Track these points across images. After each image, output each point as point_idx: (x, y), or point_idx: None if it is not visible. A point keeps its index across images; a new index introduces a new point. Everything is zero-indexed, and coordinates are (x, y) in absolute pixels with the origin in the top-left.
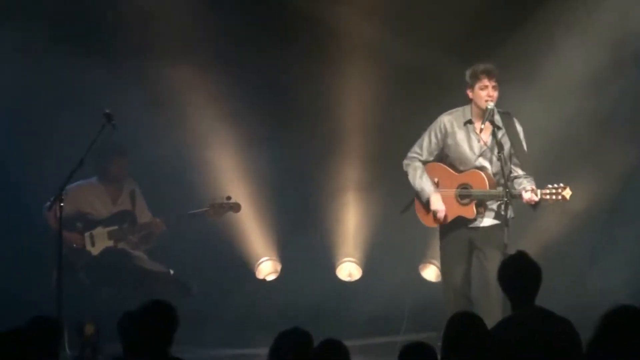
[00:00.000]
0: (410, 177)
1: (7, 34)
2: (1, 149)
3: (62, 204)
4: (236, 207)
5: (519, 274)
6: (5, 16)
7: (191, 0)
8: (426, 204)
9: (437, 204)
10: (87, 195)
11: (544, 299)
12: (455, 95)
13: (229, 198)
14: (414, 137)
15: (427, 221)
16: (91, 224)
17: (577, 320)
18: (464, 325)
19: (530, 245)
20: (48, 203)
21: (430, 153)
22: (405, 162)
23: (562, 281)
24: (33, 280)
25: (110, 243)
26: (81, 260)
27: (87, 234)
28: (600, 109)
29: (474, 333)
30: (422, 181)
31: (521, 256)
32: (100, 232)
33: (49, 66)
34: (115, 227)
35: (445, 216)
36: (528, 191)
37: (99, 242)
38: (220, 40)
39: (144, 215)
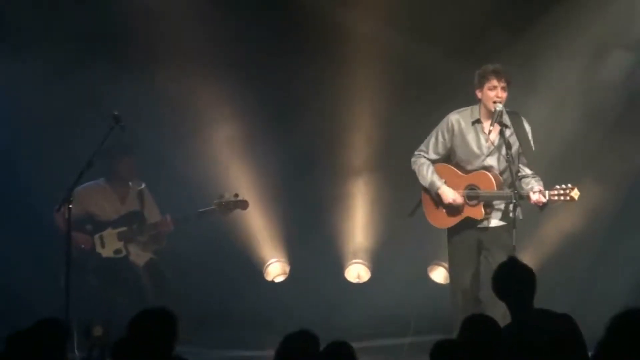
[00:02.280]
0: (418, 174)
1: (17, 40)
2: (11, 150)
3: (70, 206)
4: (244, 204)
5: (512, 280)
6: (16, 20)
7: (200, 3)
8: (436, 197)
9: (449, 193)
10: (94, 196)
11: (550, 302)
12: (462, 98)
13: (236, 195)
14: (424, 138)
15: (436, 221)
16: (100, 225)
17: (583, 323)
18: (479, 328)
19: (537, 247)
20: (57, 205)
21: (436, 152)
22: (412, 160)
23: (569, 284)
24: (42, 282)
25: (120, 244)
26: (91, 262)
27: (96, 236)
28: (607, 112)
29: (489, 336)
30: (430, 175)
31: (511, 263)
32: (109, 233)
33: (58, 68)
34: (125, 228)
35: (459, 207)
36: (536, 192)
37: (108, 243)
38: (228, 41)
39: (153, 214)
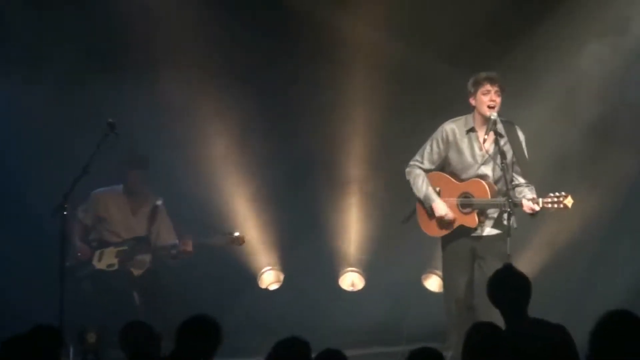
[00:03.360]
0: (413, 185)
1: (17, 44)
2: (11, 152)
3: (65, 212)
4: (241, 242)
5: (508, 288)
6: (15, 25)
7: (198, 7)
8: (430, 211)
9: (442, 209)
10: (107, 201)
11: (546, 310)
12: (460, 104)
13: (237, 233)
14: (419, 146)
15: (430, 230)
16: (105, 242)
17: (580, 330)
18: (485, 335)
19: (532, 255)
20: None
21: (431, 161)
22: (407, 170)
23: (564, 292)
24: (39, 284)
25: (115, 260)
26: (85, 270)
27: (97, 252)
28: (604, 118)
29: (495, 343)
30: (425, 188)
31: (507, 270)
32: (110, 250)
33: (58, 68)
34: (125, 248)
35: (451, 222)
36: (529, 200)
37: (105, 258)
38: (226, 47)
39: (167, 233)
